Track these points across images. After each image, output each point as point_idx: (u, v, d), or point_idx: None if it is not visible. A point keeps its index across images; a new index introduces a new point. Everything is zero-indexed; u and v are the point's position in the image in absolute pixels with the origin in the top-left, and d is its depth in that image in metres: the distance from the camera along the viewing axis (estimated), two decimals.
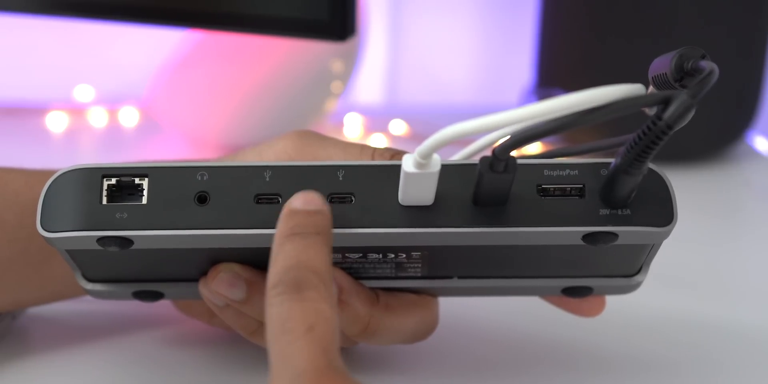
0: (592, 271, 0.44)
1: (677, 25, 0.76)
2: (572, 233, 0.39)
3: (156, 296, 0.46)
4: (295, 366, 0.33)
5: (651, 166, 0.39)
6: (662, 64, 0.36)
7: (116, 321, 0.52)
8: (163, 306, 0.51)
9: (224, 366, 0.49)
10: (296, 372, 0.33)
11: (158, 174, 0.40)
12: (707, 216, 0.72)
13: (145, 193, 0.40)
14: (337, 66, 0.80)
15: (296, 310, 0.35)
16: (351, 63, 0.81)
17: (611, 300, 0.47)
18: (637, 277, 0.45)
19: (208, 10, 0.69)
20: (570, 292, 0.46)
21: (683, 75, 0.36)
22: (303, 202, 0.38)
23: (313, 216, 0.38)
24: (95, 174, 0.40)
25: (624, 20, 0.77)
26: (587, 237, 0.39)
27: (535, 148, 0.69)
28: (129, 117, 0.89)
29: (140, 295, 0.46)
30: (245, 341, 0.46)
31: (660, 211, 0.39)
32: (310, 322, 0.34)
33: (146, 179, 0.40)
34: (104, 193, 0.40)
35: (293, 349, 0.34)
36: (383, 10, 0.97)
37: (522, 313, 0.54)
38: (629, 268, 0.44)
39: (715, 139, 0.80)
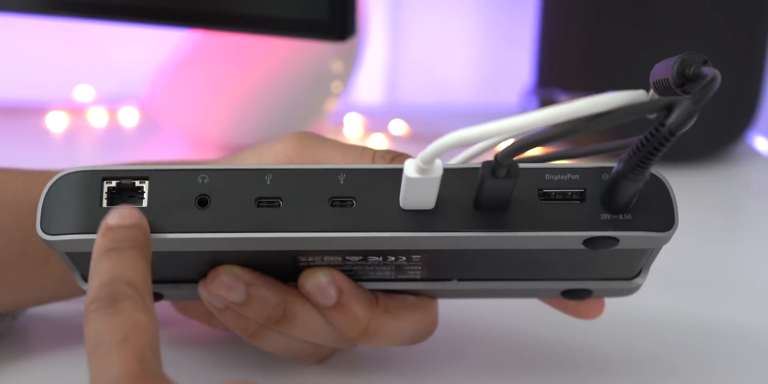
0: (591, 274, 0.44)
1: (677, 25, 0.76)
2: (573, 238, 0.39)
3: (155, 297, 0.46)
4: (110, 377, 0.33)
5: (652, 170, 0.39)
6: (663, 70, 0.36)
7: None
8: (163, 307, 0.51)
9: (224, 367, 0.49)
10: (111, 381, 0.33)
11: (159, 177, 0.40)
12: (707, 216, 0.72)
13: (145, 195, 0.40)
14: (337, 66, 0.80)
15: (111, 323, 0.35)
16: (351, 63, 0.81)
17: (610, 301, 0.47)
18: (637, 280, 0.44)
19: (208, 10, 0.69)
20: (569, 294, 0.46)
21: (685, 81, 0.36)
22: (119, 217, 0.38)
23: (129, 230, 0.38)
24: (95, 177, 0.40)
25: (624, 21, 0.76)
26: (588, 242, 0.39)
27: (536, 149, 0.69)
28: (129, 117, 0.89)
29: None
30: (245, 342, 0.46)
31: (661, 216, 0.39)
32: (124, 332, 0.34)
33: (147, 182, 0.40)
34: (104, 195, 0.40)
35: (108, 361, 0.34)
36: (383, 10, 0.97)
37: (521, 315, 0.53)
38: (629, 271, 0.44)
39: (715, 139, 0.80)
